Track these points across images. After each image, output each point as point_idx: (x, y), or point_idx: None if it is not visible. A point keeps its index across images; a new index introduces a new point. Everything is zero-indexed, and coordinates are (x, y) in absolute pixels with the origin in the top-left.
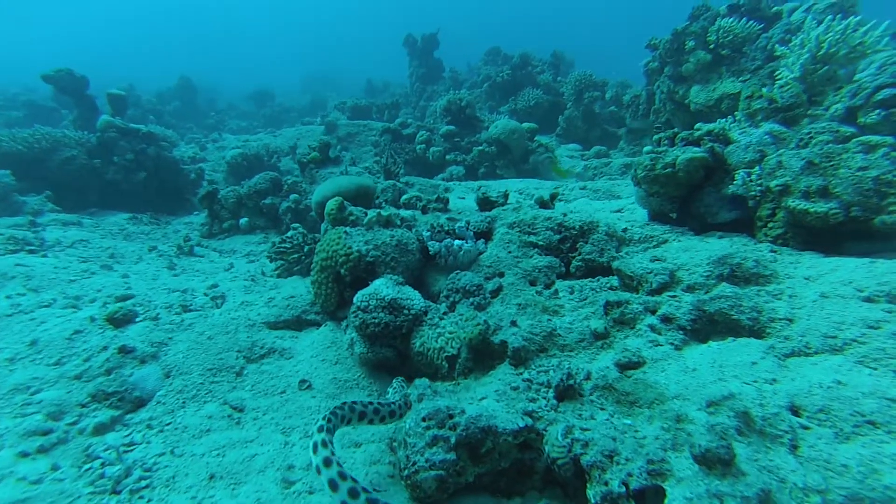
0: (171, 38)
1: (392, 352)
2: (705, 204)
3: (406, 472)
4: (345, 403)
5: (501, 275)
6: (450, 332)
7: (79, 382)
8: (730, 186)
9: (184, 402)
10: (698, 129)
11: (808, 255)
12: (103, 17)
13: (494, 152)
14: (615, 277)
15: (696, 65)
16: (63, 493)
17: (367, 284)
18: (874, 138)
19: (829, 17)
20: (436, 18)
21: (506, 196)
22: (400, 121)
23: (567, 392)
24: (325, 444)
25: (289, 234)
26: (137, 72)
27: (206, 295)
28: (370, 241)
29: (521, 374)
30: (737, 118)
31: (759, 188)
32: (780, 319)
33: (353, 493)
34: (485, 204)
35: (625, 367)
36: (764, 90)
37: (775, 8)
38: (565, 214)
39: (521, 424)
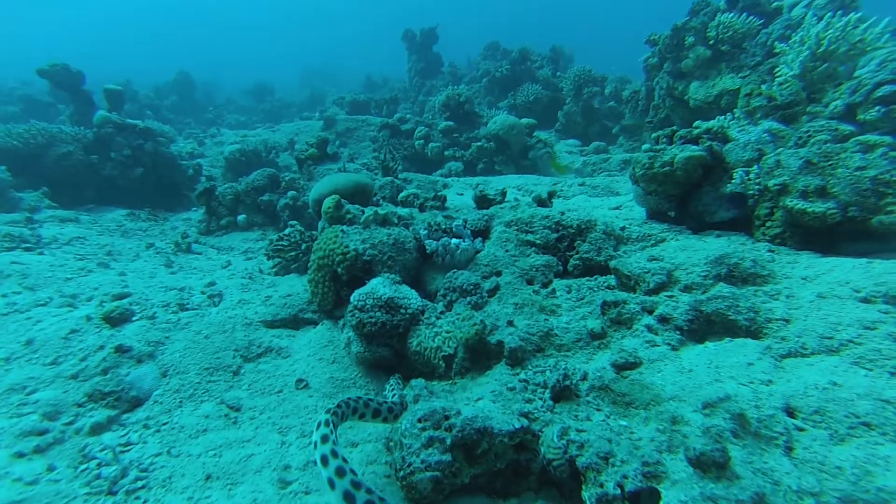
0: (170, 32)
1: (389, 351)
2: (703, 203)
3: (402, 472)
4: (348, 399)
5: (499, 274)
6: (447, 332)
7: (75, 382)
8: (728, 185)
9: (180, 402)
10: (697, 128)
11: (806, 255)
12: (102, 11)
13: (493, 148)
14: (613, 276)
15: (696, 61)
16: (59, 493)
17: (364, 283)
18: (872, 137)
19: (830, 13)
20: (435, 13)
21: (503, 194)
22: (398, 116)
23: (563, 393)
24: (324, 438)
25: (286, 231)
26: (135, 66)
27: (203, 293)
28: (367, 240)
29: (517, 374)
30: (736, 115)
31: (757, 187)
32: (777, 320)
33: (356, 485)
34: (482, 202)
35: (621, 367)
36: (763, 87)
37: (776, 3)
38: (563, 213)
39: (517, 426)
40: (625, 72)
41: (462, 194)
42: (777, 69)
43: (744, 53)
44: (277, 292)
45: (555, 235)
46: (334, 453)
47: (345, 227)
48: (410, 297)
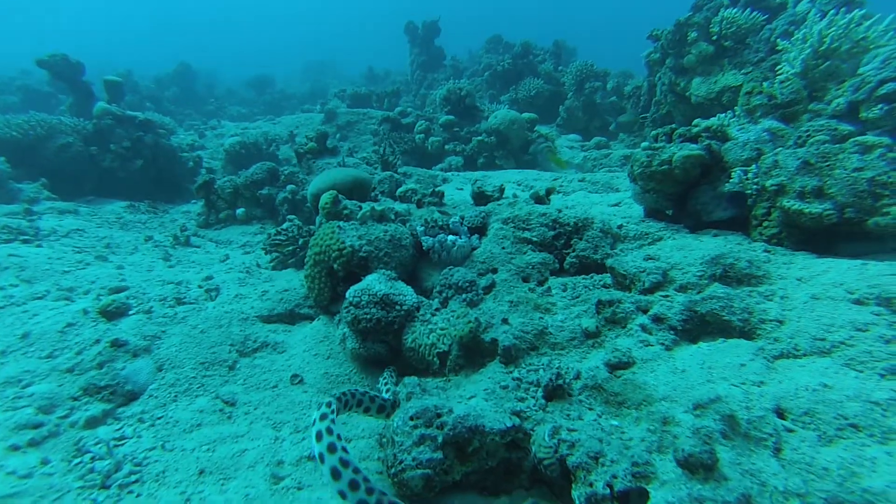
0: (171, 23)
1: (384, 347)
2: (701, 201)
3: (393, 469)
4: (354, 390)
5: (495, 271)
6: (441, 329)
7: (71, 376)
8: (726, 185)
9: (176, 396)
10: (696, 126)
11: (802, 256)
12: (103, 2)
13: (494, 143)
14: (609, 275)
15: (698, 57)
16: (52, 487)
17: (361, 279)
18: (871, 138)
19: (833, 10)
20: (437, 5)
21: (501, 190)
22: (399, 110)
23: (556, 392)
24: (323, 417)
25: (284, 226)
26: (136, 57)
27: (200, 287)
28: (363, 236)
29: (511, 372)
30: (736, 114)
31: (754, 187)
32: (771, 321)
33: (345, 463)
34: (480, 198)
35: (615, 367)
36: (765, 85)
37: None
38: (560, 210)
39: (509, 424)
40: (628, 66)
41: (462, 189)
42: (779, 66)
43: (747, 49)
44: (274, 287)
45: (552, 233)
46: (329, 430)
47: (341, 223)
48: (406, 293)
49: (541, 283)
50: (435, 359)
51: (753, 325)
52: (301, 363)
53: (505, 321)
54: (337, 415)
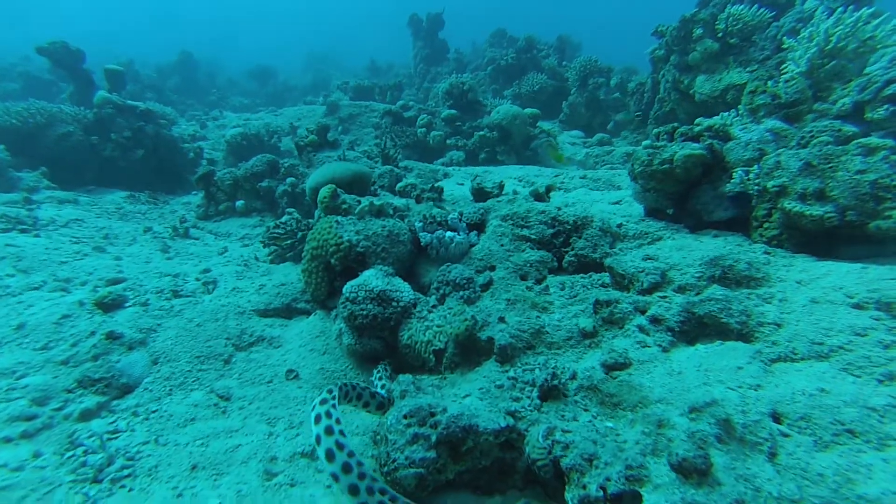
0: (173, 12)
1: (380, 343)
2: (702, 201)
3: (386, 468)
4: (356, 384)
5: (493, 268)
6: (438, 326)
7: (65, 368)
8: (727, 185)
9: (170, 390)
10: (698, 125)
11: (802, 259)
12: None
13: (496, 138)
14: (607, 274)
15: (703, 54)
16: (44, 480)
17: (358, 275)
18: (874, 141)
19: (841, 8)
20: None
21: (501, 187)
22: (401, 103)
23: (551, 392)
24: (323, 402)
25: (283, 219)
26: (138, 46)
27: (197, 280)
28: (361, 232)
29: (506, 371)
30: (739, 113)
31: (756, 188)
32: (769, 324)
33: (340, 446)
34: (479, 194)
35: (611, 367)
36: (769, 84)
37: None
38: (559, 208)
39: (503, 424)
40: (632, 62)
41: (462, 184)
42: (784, 65)
43: (753, 47)
44: (272, 281)
45: (551, 231)
46: (329, 414)
47: (339, 218)
48: (403, 289)
49: (539, 282)
50: (431, 356)
51: (751, 327)
52: (297, 358)
53: (501, 320)
54: (338, 402)
